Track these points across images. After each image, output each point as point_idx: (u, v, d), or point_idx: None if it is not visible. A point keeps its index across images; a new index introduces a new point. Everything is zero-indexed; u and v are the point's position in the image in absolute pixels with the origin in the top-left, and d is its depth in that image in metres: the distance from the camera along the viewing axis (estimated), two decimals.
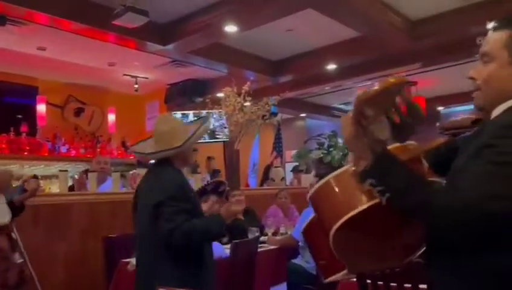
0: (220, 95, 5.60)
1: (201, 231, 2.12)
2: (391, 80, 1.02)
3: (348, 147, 1.12)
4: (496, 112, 1.13)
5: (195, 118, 7.51)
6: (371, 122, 1.03)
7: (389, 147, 1.12)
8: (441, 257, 1.14)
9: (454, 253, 1.09)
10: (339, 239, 1.08)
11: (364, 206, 1.06)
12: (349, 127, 1.06)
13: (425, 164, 1.18)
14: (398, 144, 1.15)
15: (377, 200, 1.05)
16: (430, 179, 1.11)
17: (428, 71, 7.24)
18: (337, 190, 1.12)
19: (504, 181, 0.98)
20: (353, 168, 1.10)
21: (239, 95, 5.20)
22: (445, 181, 1.14)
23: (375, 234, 1.14)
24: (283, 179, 6.52)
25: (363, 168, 1.07)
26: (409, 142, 1.18)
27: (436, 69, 7.14)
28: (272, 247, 3.82)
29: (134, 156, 6.24)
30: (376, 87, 1.01)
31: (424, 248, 1.21)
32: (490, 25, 1.17)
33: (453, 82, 8.11)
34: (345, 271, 1.14)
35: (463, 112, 9.49)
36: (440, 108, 9.93)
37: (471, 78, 1.19)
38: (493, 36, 1.17)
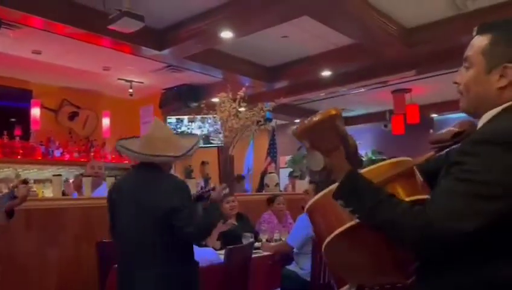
0: (215, 100, 5.61)
1: (212, 224, 2.38)
2: (332, 111, 1.07)
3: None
4: (480, 123, 1.13)
5: (185, 129, 7.53)
6: (307, 154, 1.07)
7: (386, 162, 1.14)
8: (423, 274, 1.13)
9: (434, 270, 1.08)
10: (333, 253, 1.10)
11: (350, 224, 1.07)
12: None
13: (419, 178, 1.18)
14: (392, 159, 1.17)
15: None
16: (417, 197, 1.10)
17: (422, 78, 7.30)
18: (328, 206, 1.13)
19: (464, 199, 0.97)
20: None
21: (234, 100, 5.21)
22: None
23: (369, 248, 1.14)
24: (277, 184, 6.52)
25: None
26: (403, 157, 1.19)
27: (430, 77, 7.19)
28: (266, 253, 3.81)
29: (129, 161, 6.23)
30: (310, 120, 1.06)
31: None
32: (474, 31, 1.18)
33: (446, 89, 8.15)
34: (347, 286, 1.15)
35: (457, 119, 9.56)
36: (434, 115, 9.99)
37: (455, 82, 1.20)
38: (475, 41, 1.17)
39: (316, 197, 1.17)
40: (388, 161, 1.16)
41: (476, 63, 1.14)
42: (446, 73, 6.94)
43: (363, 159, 8.37)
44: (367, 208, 1.05)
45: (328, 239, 1.08)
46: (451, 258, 1.04)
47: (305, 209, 1.20)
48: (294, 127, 1.05)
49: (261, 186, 7.00)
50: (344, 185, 1.08)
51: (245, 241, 3.67)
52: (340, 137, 1.09)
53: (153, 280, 2.14)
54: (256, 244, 3.91)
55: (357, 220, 1.07)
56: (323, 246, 1.09)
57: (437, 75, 7.07)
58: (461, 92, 1.18)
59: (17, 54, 6.03)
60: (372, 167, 1.13)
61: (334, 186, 1.13)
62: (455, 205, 0.97)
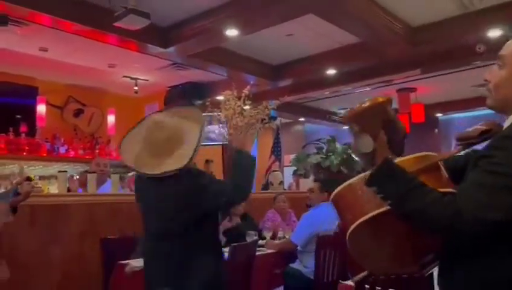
0: (220, 98, 5.61)
1: (248, 172, 2.26)
2: (380, 98, 1.08)
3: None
4: (506, 123, 1.15)
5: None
6: (356, 137, 1.11)
7: (410, 157, 1.18)
8: (449, 265, 1.16)
9: (462, 261, 1.11)
10: (355, 241, 1.13)
11: (377, 212, 1.11)
12: None
13: (445, 173, 1.21)
14: (419, 154, 1.20)
15: (387, 207, 1.11)
16: (445, 190, 1.13)
17: (427, 78, 7.27)
18: (357, 192, 1.18)
19: (492, 190, 1.01)
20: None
21: (239, 98, 5.20)
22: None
23: (392, 238, 1.18)
24: (281, 183, 6.52)
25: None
26: (429, 152, 1.22)
27: (435, 76, 7.17)
28: (270, 251, 3.82)
29: None
30: (362, 105, 1.09)
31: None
32: None
33: (452, 89, 8.16)
34: (365, 273, 1.19)
35: (462, 118, 9.53)
36: (439, 114, 9.96)
37: (486, 80, 1.20)
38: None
39: (340, 186, 1.20)
40: (414, 155, 1.19)
41: (509, 63, 1.14)
42: (451, 72, 6.92)
43: None
44: (400, 195, 1.08)
45: (353, 226, 1.11)
46: (478, 252, 1.07)
47: (331, 196, 1.22)
48: (345, 111, 1.10)
49: (266, 184, 7.00)
50: (380, 171, 1.11)
51: (249, 239, 3.68)
52: (389, 122, 1.12)
53: None
54: (260, 242, 3.91)
55: (384, 209, 1.10)
56: (348, 232, 1.12)
57: (442, 74, 7.05)
58: (490, 90, 1.19)
59: (24, 50, 6.07)
60: (399, 159, 1.17)
61: (362, 175, 1.18)
62: (483, 196, 1.01)
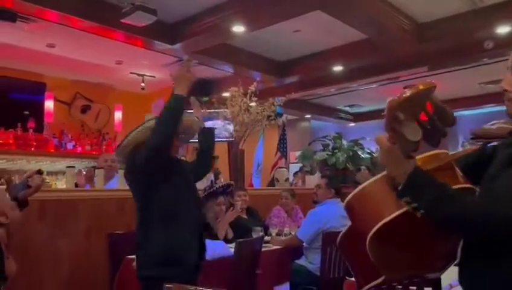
0: (226, 94, 5.62)
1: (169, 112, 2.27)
2: (421, 86, 1.06)
3: (382, 162, 1.15)
4: None
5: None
6: (403, 126, 1.07)
7: (421, 156, 1.16)
8: (476, 265, 1.16)
9: (491, 261, 1.11)
10: (376, 245, 1.11)
11: (401, 211, 1.09)
12: (384, 139, 1.11)
13: (459, 171, 1.20)
14: (429, 153, 1.18)
15: (408, 208, 1.09)
16: (465, 185, 1.13)
17: (434, 75, 7.23)
18: (373, 196, 1.16)
19: None
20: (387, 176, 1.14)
21: (245, 95, 5.21)
22: (478, 189, 1.16)
23: (414, 239, 1.17)
24: (287, 179, 6.52)
25: (396, 188, 1.11)
26: (439, 150, 1.20)
27: (442, 73, 7.12)
28: (276, 247, 3.83)
29: None
30: (407, 92, 1.05)
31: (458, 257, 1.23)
32: None
33: (459, 86, 8.10)
34: (381, 279, 1.16)
35: (468, 116, 9.46)
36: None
37: (505, 90, 1.20)
38: None
39: (356, 190, 1.18)
40: (428, 154, 1.18)
41: None
42: (459, 69, 6.88)
43: (374, 155, 8.34)
44: (433, 204, 1.07)
45: (375, 228, 1.09)
46: (508, 251, 1.07)
47: (345, 203, 1.21)
48: (390, 98, 1.06)
49: (271, 181, 7.01)
50: (409, 183, 1.09)
51: (255, 235, 3.69)
52: (437, 108, 1.10)
53: None
54: (266, 238, 3.92)
55: (404, 210, 1.09)
56: (369, 235, 1.10)
57: (449, 71, 7.01)
58: (510, 99, 1.19)
59: (32, 47, 6.11)
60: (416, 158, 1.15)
61: (375, 178, 1.17)
62: None
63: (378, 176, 1.17)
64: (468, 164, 1.26)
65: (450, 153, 1.24)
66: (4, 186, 1.92)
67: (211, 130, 2.74)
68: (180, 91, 2.19)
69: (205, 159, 2.66)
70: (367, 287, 1.22)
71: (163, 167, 2.20)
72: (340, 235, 1.29)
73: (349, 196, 1.19)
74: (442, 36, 5.74)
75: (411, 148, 1.09)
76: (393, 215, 1.09)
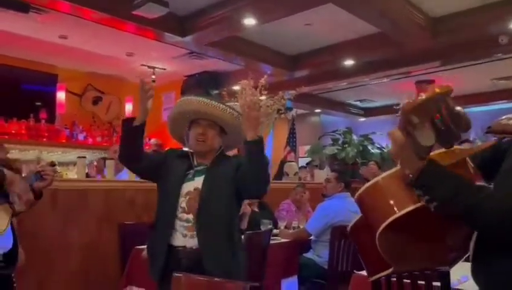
0: (236, 88, 5.62)
1: None
2: (437, 89, 1.06)
3: (394, 158, 1.15)
4: None
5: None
6: (416, 129, 1.07)
7: (436, 152, 1.15)
8: (489, 260, 1.15)
9: (505, 255, 1.10)
10: (385, 239, 1.11)
11: (410, 208, 1.09)
12: (398, 134, 1.11)
13: (472, 167, 1.20)
14: (444, 149, 1.17)
15: (422, 203, 1.09)
16: (477, 183, 1.13)
17: (446, 70, 7.15)
18: (385, 190, 1.16)
19: None
20: (400, 170, 1.14)
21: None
22: (492, 185, 1.16)
23: (423, 234, 1.17)
24: (296, 173, 6.52)
25: (410, 181, 1.11)
26: (455, 146, 1.19)
27: (455, 68, 7.04)
28: (284, 240, 3.84)
29: (150, 146, 6.32)
30: (423, 96, 1.05)
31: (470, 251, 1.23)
32: None
33: (471, 81, 8.00)
34: (390, 270, 1.17)
35: (479, 112, 9.35)
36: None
37: None
38: None
39: (368, 183, 1.19)
40: (442, 150, 1.17)
41: None
42: (472, 64, 6.79)
43: (384, 150, 8.30)
44: (447, 197, 1.07)
45: (385, 223, 1.09)
46: None
47: (356, 196, 1.21)
48: (404, 102, 1.06)
49: (280, 174, 7.02)
50: (422, 177, 1.09)
51: (263, 228, 3.71)
52: (452, 113, 1.08)
53: None
54: (275, 231, 3.94)
55: (418, 204, 1.09)
56: (380, 229, 1.10)
57: (462, 66, 6.92)
58: None
59: (44, 38, 6.16)
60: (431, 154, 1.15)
61: (388, 172, 1.17)
62: None
63: (392, 170, 1.17)
64: (484, 160, 1.25)
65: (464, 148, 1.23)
66: (23, 174, 1.93)
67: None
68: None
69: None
70: (376, 277, 1.23)
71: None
72: (351, 224, 1.29)
73: (362, 189, 1.20)
74: (456, 31, 5.67)
75: (424, 151, 1.09)
76: (403, 211, 1.09)
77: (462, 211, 1.08)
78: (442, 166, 1.11)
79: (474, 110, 9.56)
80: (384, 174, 1.18)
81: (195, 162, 2.20)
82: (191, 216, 2.07)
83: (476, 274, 1.20)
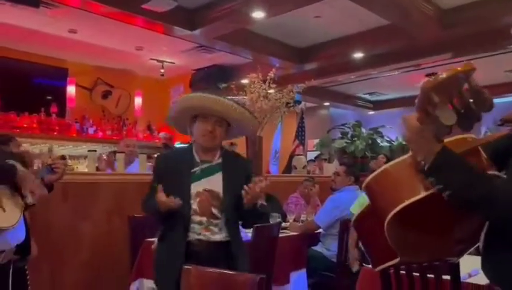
0: (245, 81, 5.61)
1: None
2: (459, 67, 1.03)
3: (407, 143, 1.13)
4: None
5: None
6: (437, 109, 1.04)
7: (448, 140, 1.13)
8: (500, 251, 1.14)
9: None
10: (394, 227, 1.10)
11: (421, 196, 1.07)
12: (413, 119, 1.07)
13: (484, 156, 1.17)
14: (456, 137, 1.15)
15: (433, 191, 1.07)
16: (490, 172, 1.11)
17: (457, 62, 7.07)
18: (394, 178, 1.14)
19: None
20: (411, 157, 1.12)
21: (264, 81, 5.19)
22: (505, 174, 1.14)
23: (432, 224, 1.15)
24: (305, 167, 6.51)
25: (422, 168, 1.08)
26: (467, 135, 1.18)
27: (466, 60, 6.95)
28: (293, 233, 3.85)
29: (159, 139, 6.36)
30: (444, 74, 1.01)
31: (478, 243, 1.21)
32: None
33: (483, 74, 7.89)
34: (396, 260, 1.16)
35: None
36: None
37: None
38: None
39: (377, 171, 1.17)
40: (454, 138, 1.15)
41: None
42: (484, 56, 6.70)
43: (394, 144, 8.24)
44: (460, 186, 1.05)
45: (395, 210, 1.07)
46: None
47: (364, 183, 1.19)
48: (425, 80, 1.04)
49: (289, 168, 7.02)
50: (435, 164, 1.07)
51: (272, 221, 3.71)
52: (475, 92, 1.05)
53: None
54: (284, 224, 3.94)
55: (429, 192, 1.07)
56: (389, 217, 1.08)
57: (474, 58, 6.83)
58: None
59: (54, 32, 6.20)
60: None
61: (397, 160, 1.15)
62: None
63: (401, 158, 1.15)
64: (496, 151, 1.23)
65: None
66: (34, 168, 1.97)
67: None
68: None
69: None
70: (381, 267, 1.22)
71: None
72: (357, 214, 1.28)
73: (370, 177, 1.17)
74: (467, 22, 5.59)
75: (444, 132, 1.06)
76: (414, 199, 1.07)
77: (476, 200, 1.06)
78: (456, 153, 1.09)
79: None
80: (392, 162, 1.15)
81: (197, 159, 2.16)
82: (204, 219, 2.08)
83: (485, 266, 1.19)
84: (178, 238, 2.07)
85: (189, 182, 2.09)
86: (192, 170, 2.12)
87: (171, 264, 2.01)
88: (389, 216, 1.08)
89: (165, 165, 2.21)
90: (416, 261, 1.75)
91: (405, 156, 1.14)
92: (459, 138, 1.16)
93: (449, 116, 1.04)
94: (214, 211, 2.09)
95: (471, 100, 1.05)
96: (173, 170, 2.14)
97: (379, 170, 1.16)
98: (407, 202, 1.07)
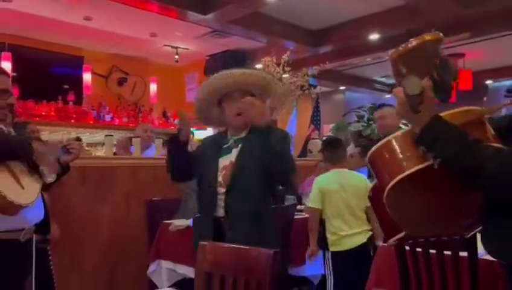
0: (259, 66, 5.58)
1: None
2: (427, 36, 1.01)
3: (398, 116, 1.13)
4: None
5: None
6: (404, 80, 1.02)
7: (451, 111, 1.11)
8: (498, 223, 1.11)
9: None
10: (394, 200, 1.09)
11: (416, 168, 1.06)
12: (400, 92, 1.06)
13: (489, 128, 1.15)
14: (460, 109, 1.13)
15: (429, 163, 1.06)
16: (490, 144, 1.08)
17: (476, 42, 6.90)
18: (395, 149, 1.13)
19: None
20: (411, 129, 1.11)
21: (278, 65, 5.16)
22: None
23: (434, 197, 1.13)
24: (320, 150, 6.49)
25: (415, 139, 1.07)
26: (473, 107, 1.15)
27: (485, 40, 6.78)
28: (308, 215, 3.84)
29: (175, 126, 6.39)
30: (410, 44, 1.00)
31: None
32: None
33: (503, 54, 7.71)
34: (402, 234, 1.15)
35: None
36: (489, 82, 9.47)
37: None
38: None
39: (378, 144, 1.16)
40: (458, 109, 1.13)
41: None
42: (504, 35, 6.53)
43: (405, 127, 8.15)
44: (454, 152, 1.04)
45: (392, 183, 1.06)
46: None
47: (368, 156, 1.19)
48: (392, 51, 1.03)
49: (305, 152, 7.01)
50: (430, 128, 1.06)
51: (287, 203, 3.72)
52: (440, 62, 1.05)
53: None
54: (299, 207, 3.95)
55: (425, 164, 1.06)
56: (386, 190, 1.07)
57: (494, 37, 6.66)
58: None
59: (70, 20, 6.24)
60: (444, 113, 1.11)
61: (399, 131, 1.14)
62: None
63: (406, 129, 1.13)
64: (502, 121, 1.20)
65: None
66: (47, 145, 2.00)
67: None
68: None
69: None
70: (391, 241, 1.22)
71: None
72: (370, 189, 1.28)
73: (374, 148, 1.17)
74: (485, 1, 5.43)
75: (415, 102, 1.04)
76: (410, 171, 1.06)
77: (464, 170, 1.04)
78: (448, 122, 1.06)
79: (504, 84, 9.23)
80: (397, 132, 1.14)
81: (229, 137, 2.29)
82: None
83: (484, 238, 1.16)
84: (207, 211, 2.19)
85: (218, 157, 2.23)
86: (224, 147, 2.26)
87: (204, 238, 2.08)
88: (387, 188, 1.07)
89: (205, 145, 2.39)
90: (423, 235, 1.74)
91: (408, 128, 1.13)
92: (463, 109, 1.14)
93: (414, 85, 1.02)
94: None
95: (439, 69, 1.03)
96: (210, 149, 2.31)
97: (382, 141, 1.15)
98: (404, 174, 1.06)
